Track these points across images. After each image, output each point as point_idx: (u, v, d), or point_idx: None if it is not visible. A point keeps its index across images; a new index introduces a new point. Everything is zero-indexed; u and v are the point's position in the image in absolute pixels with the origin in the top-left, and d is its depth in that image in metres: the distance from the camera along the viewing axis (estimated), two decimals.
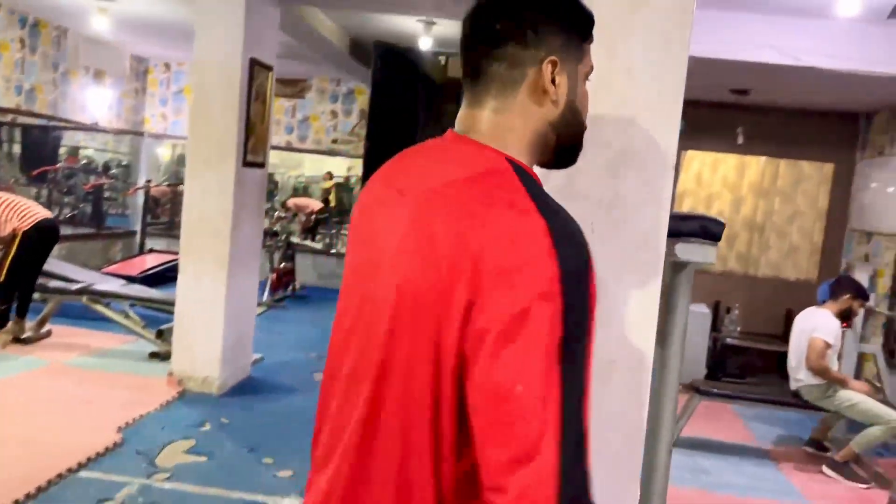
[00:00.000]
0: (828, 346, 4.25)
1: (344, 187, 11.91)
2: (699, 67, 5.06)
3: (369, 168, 6.46)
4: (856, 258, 6.32)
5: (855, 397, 4.21)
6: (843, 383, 4.27)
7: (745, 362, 6.31)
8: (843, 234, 6.55)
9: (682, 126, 6.07)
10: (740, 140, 6.38)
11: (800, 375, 4.37)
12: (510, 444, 0.78)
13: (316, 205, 11.18)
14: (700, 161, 6.77)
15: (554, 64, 0.94)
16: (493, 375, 0.79)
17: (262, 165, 5.10)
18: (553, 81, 0.94)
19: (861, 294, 4.44)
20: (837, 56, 4.43)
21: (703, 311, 6.33)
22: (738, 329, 6.30)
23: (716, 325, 6.40)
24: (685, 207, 6.73)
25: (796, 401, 4.45)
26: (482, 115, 0.97)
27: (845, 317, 4.39)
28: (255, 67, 4.77)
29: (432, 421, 0.85)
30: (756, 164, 6.69)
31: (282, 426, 4.32)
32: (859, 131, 6.43)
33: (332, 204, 11.61)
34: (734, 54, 4.78)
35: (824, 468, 4.31)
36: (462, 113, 1.00)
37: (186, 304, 4.73)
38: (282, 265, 8.47)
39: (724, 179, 6.77)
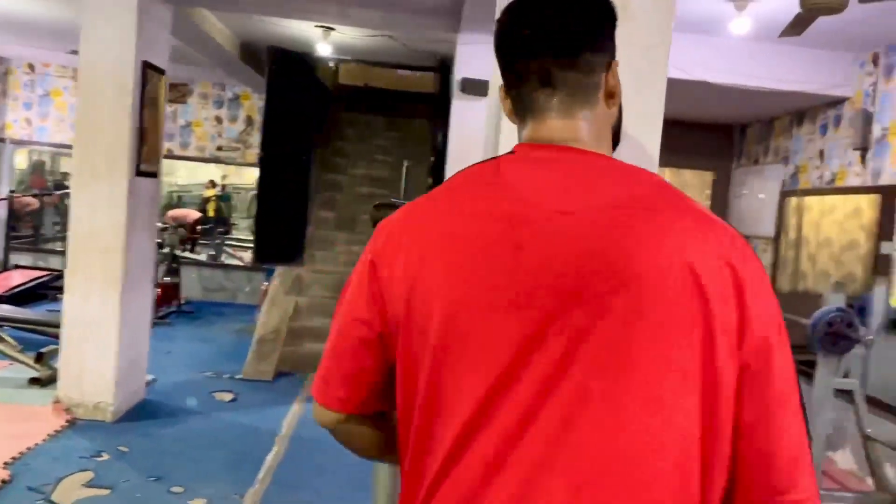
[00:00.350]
0: None
1: (222, 197, 11.46)
2: None
3: (267, 175, 6.25)
4: None
5: None
6: None
7: None
8: None
9: None
10: None
11: None
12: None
13: (193, 215, 10.70)
14: None
15: (616, 66, 0.95)
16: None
17: (155, 175, 4.80)
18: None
19: None
20: (726, 71, 4.72)
21: None
22: None
23: None
24: None
25: None
26: (578, 126, 0.93)
27: None
28: (148, 71, 4.49)
29: None
30: (661, 174, 7.01)
31: (187, 451, 4.07)
32: (734, 142, 6.89)
33: (211, 213, 11.15)
34: None
35: None
36: (555, 123, 0.93)
37: (74, 325, 4.37)
38: (166, 279, 8.03)
39: None
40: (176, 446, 4.14)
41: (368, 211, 2.15)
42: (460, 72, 4.79)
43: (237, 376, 5.72)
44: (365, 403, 0.99)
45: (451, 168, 4.87)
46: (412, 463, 0.92)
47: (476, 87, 4.70)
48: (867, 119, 4.74)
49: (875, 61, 4.77)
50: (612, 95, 0.95)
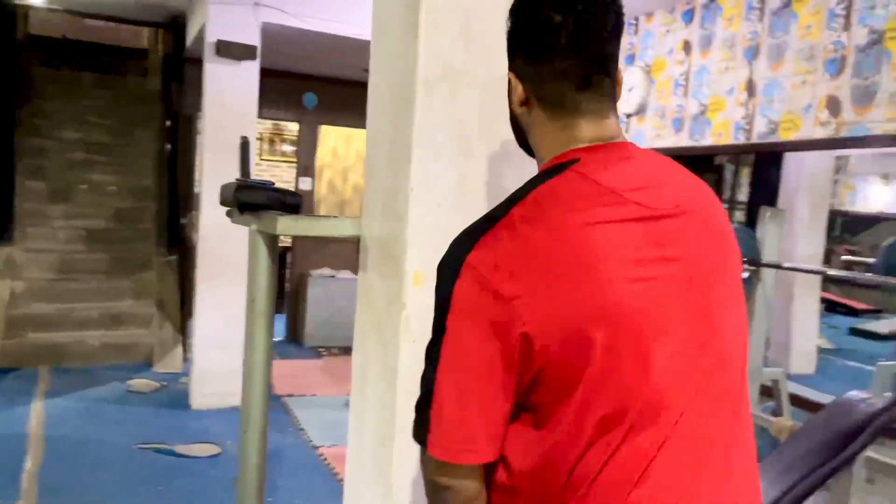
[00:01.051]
0: None
1: None
2: (336, 46, 5.32)
3: None
4: None
5: None
6: None
7: None
8: None
9: (314, 101, 6.33)
10: None
11: None
12: None
13: None
14: (335, 136, 7.07)
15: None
16: None
17: None
18: None
19: None
20: None
21: (350, 277, 6.72)
22: None
23: None
24: (324, 181, 7.00)
25: None
26: (616, 122, 1.02)
27: None
28: None
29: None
30: (337, 133, 7.19)
31: None
32: None
33: None
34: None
35: None
36: (608, 123, 1.00)
37: None
38: None
39: (358, 153, 7.18)
40: None
41: (222, 191, 2.02)
42: (215, 33, 4.53)
43: None
44: (497, 450, 0.94)
45: (209, 134, 4.61)
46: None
47: (234, 51, 4.49)
48: None
49: None
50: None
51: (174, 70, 6.31)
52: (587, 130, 1.00)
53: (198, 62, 5.69)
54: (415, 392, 1.51)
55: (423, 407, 0.95)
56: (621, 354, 0.88)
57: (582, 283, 0.88)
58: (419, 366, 1.50)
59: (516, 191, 1.00)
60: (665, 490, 0.91)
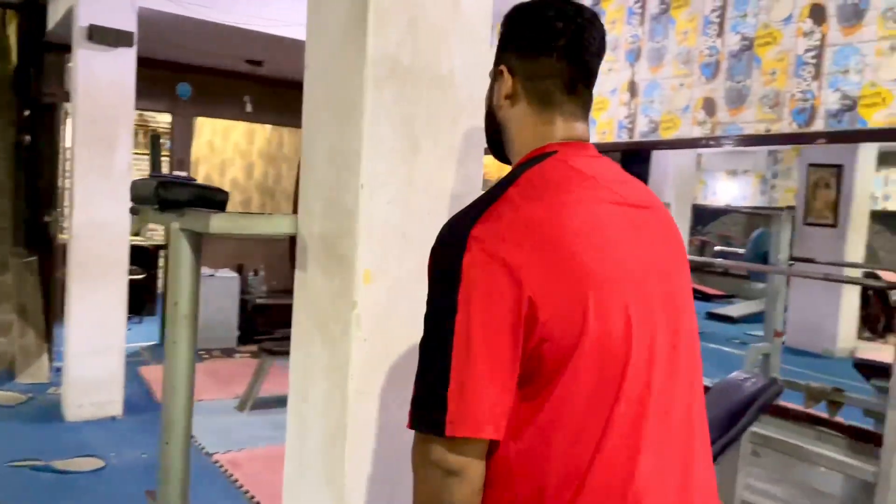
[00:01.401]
0: None
1: None
2: (218, 34, 5.12)
3: None
4: None
5: None
6: None
7: (272, 319, 6.73)
8: None
9: (188, 91, 6.07)
10: (249, 108, 6.62)
11: None
12: None
13: None
14: (212, 128, 6.78)
15: None
16: None
17: None
18: None
19: None
20: None
21: (230, 275, 6.48)
22: (265, 289, 6.66)
23: (245, 288, 6.63)
24: (200, 175, 6.70)
25: None
26: (586, 128, 1.12)
27: None
28: None
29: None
30: (263, 132, 7.03)
31: None
32: None
33: None
34: (263, 27, 4.98)
35: None
36: (581, 126, 1.10)
37: None
38: None
39: (235, 146, 6.93)
40: None
41: (137, 188, 1.90)
42: (86, 17, 4.22)
43: None
44: (505, 426, 0.95)
45: (81, 126, 4.29)
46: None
47: (108, 36, 4.20)
48: None
49: None
50: None
51: (32, 55, 5.82)
52: (562, 129, 1.10)
53: (61, 48, 5.29)
54: (366, 391, 1.51)
55: (435, 389, 0.94)
56: (610, 326, 0.95)
57: (578, 256, 0.94)
58: (370, 364, 1.49)
59: (505, 176, 1.07)
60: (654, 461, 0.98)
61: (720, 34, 3.74)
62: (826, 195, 7.83)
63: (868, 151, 7.85)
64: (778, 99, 3.46)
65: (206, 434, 4.24)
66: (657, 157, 6.62)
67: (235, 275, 6.49)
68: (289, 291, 6.26)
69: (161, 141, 1.82)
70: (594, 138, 4.41)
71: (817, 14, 3.32)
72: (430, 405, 0.94)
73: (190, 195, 1.72)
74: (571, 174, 1.02)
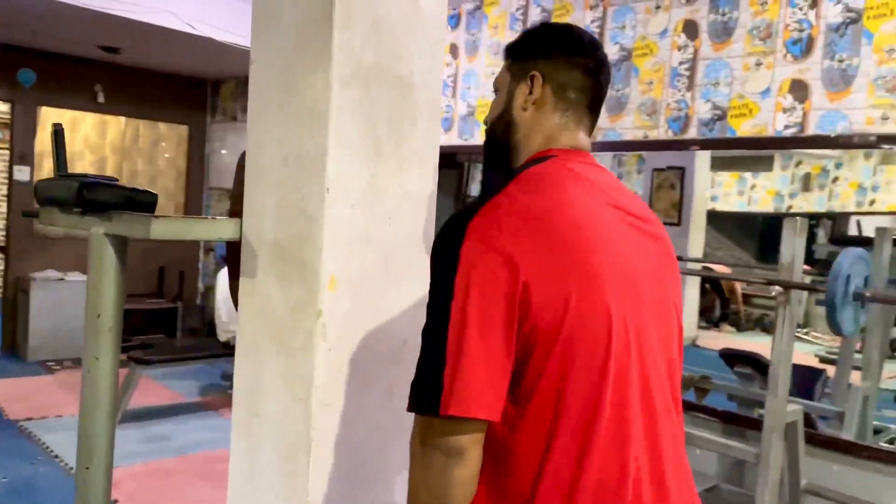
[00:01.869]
0: None
1: None
2: (67, 18, 4.71)
3: None
4: (216, 214, 6.95)
5: None
6: None
7: (130, 325, 6.28)
8: (202, 192, 7.08)
9: (31, 78, 5.61)
10: (101, 98, 6.13)
11: (232, 327, 4.75)
12: None
13: None
14: (58, 119, 6.20)
15: None
16: None
17: None
18: None
19: None
20: (200, 22, 4.76)
21: (81, 278, 5.99)
22: None
23: None
24: (44, 170, 6.12)
25: (230, 350, 4.84)
26: (588, 143, 1.20)
27: None
28: None
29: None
30: (117, 125, 6.54)
31: None
32: (207, 96, 6.98)
33: None
34: (122, 11, 4.64)
35: None
36: (586, 140, 1.19)
37: None
38: None
39: (85, 139, 6.39)
40: None
41: (46, 189, 1.71)
42: None
43: None
44: (497, 411, 0.97)
45: None
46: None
47: None
48: None
49: None
50: None
51: None
52: (571, 139, 1.17)
53: None
54: (330, 403, 1.46)
55: (431, 372, 0.97)
56: (590, 317, 0.99)
57: (570, 244, 0.99)
58: (336, 375, 1.44)
59: (505, 176, 1.12)
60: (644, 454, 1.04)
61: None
62: (670, 196, 8.45)
63: (704, 155, 8.56)
64: (655, 107, 3.70)
65: (73, 452, 3.89)
66: None
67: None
68: (148, 295, 5.96)
69: (62, 133, 1.61)
70: (476, 139, 4.50)
71: (691, 29, 3.59)
72: (427, 386, 0.97)
73: (118, 198, 1.57)
74: (568, 175, 1.09)
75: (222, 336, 4.77)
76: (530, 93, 1.17)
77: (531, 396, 0.98)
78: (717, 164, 12.12)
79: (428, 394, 0.96)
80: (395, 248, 1.55)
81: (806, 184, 8.78)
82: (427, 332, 1.01)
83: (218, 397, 5.08)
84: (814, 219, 8.14)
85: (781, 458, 2.80)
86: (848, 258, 2.51)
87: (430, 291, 1.04)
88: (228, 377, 5.32)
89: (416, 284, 1.61)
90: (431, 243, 1.64)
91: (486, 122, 1.27)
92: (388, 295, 1.54)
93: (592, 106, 1.19)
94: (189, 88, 6.81)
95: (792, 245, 2.75)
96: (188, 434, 4.21)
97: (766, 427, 2.75)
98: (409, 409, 1.00)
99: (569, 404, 0.97)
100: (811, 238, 7.67)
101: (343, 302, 1.44)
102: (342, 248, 1.43)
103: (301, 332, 1.44)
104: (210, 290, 6.93)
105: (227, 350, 4.83)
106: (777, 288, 2.77)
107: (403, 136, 1.53)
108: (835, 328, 2.60)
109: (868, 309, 2.95)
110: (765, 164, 8.11)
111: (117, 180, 1.69)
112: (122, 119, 6.50)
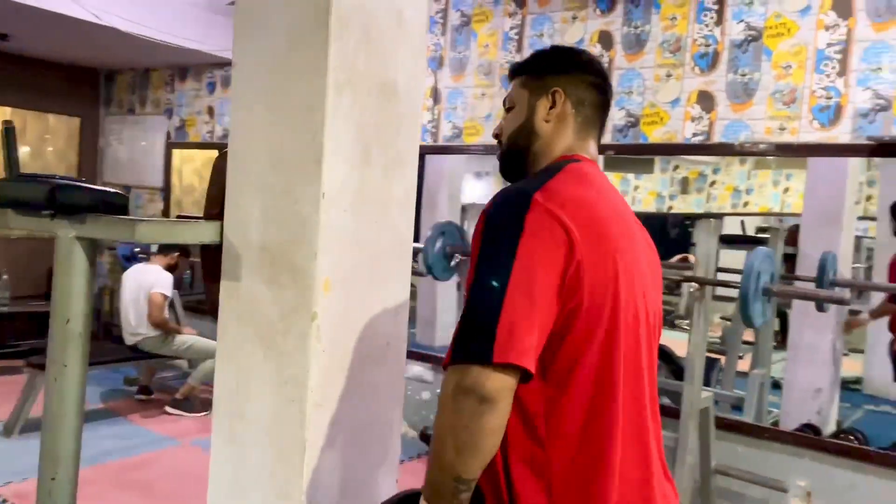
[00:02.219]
0: (166, 298, 4.58)
1: None
2: (17, 13, 4.38)
3: None
4: (150, 215, 6.59)
5: (189, 339, 4.70)
6: (177, 331, 4.70)
7: (20, 329, 5.89)
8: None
9: None
10: None
11: (141, 330, 4.57)
12: None
13: None
14: None
15: None
16: None
17: None
18: None
19: (186, 250, 4.89)
20: (97, 8, 4.53)
21: None
22: (9, 295, 5.80)
23: None
24: None
25: (137, 354, 4.64)
26: (596, 152, 1.31)
27: (173, 269, 4.78)
28: None
29: None
30: (1, 115, 6.07)
31: None
32: (101, 87, 6.62)
33: None
34: None
35: (167, 408, 4.68)
36: (595, 151, 1.30)
37: None
38: None
39: (28, 142, 5.89)
40: None
41: (11, 190, 1.62)
42: None
43: None
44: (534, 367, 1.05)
45: None
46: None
47: None
48: None
49: None
50: None
51: None
52: (583, 148, 1.29)
53: None
54: (324, 404, 1.48)
55: (484, 323, 1.02)
56: (628, 312, 1.12)
57: (612, 242, 1.11)
58: (330, 376, 1.47)
59: (538, 173, 1.23)
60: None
61: (519, 50, 4.08)
62: None
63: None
64: None
65: None
66: (431, 160, 6.94)
67: None
68: (36, 297, 5.60)
69: (13, 130, 1.49)
70: None
71: (605, 40, 3.79)
72: (477, 337, 1.02)
73: (91, 200, 1.52)
74: (596, 176, 1.23)
75: (129, 339, 4.57)
76: (552, 107, 1.26)
77: (569, 379, 1.08)
78: (605, 166, 12.78)
79: (478, 343, 1.01)
80: (381, 250, 1.59)
81: (684, 187, 9.33)
82: (482, 288, 1.05)
83: (124, 402, 4.86)
84: (689, 219, 8.66)
85: (696, 442, 3.02)
86: (758, 257, 2.76)
87: (485, 253, 1.08)
88: (132, 381, 5.11)
89: (399, 287, 1.65)
90: (410, 247, 1.70)
91: (498, 135, 1.34)
92: (374, 297, 1.58)
93: (602, 120, 1.32)
94: (81, 78, 6.44)
95: (706, 244, 2.98)
96: (99, 442, 4.01)
97: (684, 413, 2.97)
98: (449, 362, 1.05)
99: (605, 392, 1.09)
100: (687, 236, 8.18)
101: (337, 304, 1.47)
102: (335, 252, 1.46)
103: (294, 334, 1.45)
104: (104, 291, 6.60)
105: (136, 353, 4.64)
106: (693, 284, 2.99)
107: (389, 142, 1.57)
108: (747, 321, 2.83)
109: (773, 303, 3.23)
110: (646, 167, 8.54)
111: (84, 180, 1.64)
112: (8, 109, 6.07)
